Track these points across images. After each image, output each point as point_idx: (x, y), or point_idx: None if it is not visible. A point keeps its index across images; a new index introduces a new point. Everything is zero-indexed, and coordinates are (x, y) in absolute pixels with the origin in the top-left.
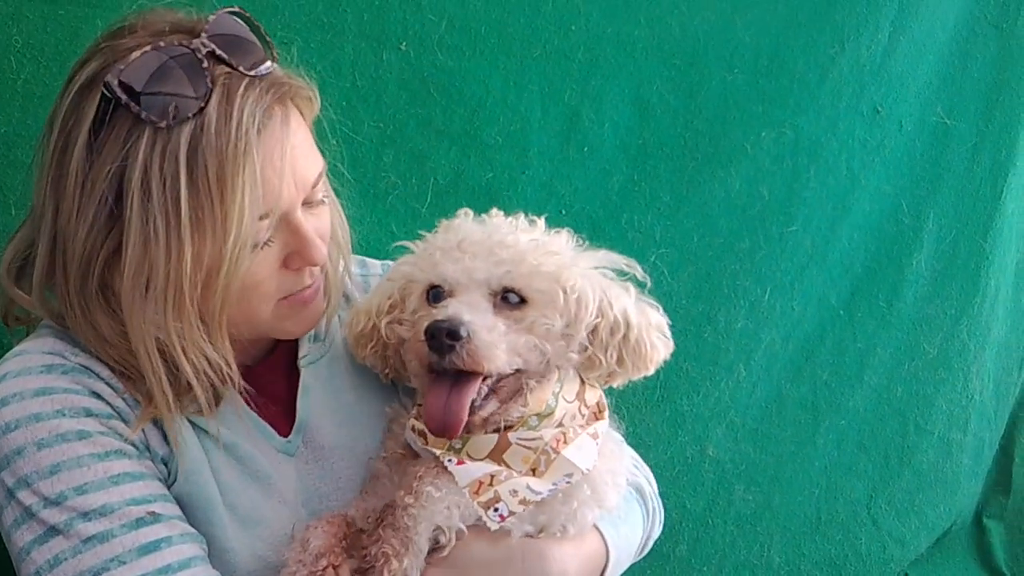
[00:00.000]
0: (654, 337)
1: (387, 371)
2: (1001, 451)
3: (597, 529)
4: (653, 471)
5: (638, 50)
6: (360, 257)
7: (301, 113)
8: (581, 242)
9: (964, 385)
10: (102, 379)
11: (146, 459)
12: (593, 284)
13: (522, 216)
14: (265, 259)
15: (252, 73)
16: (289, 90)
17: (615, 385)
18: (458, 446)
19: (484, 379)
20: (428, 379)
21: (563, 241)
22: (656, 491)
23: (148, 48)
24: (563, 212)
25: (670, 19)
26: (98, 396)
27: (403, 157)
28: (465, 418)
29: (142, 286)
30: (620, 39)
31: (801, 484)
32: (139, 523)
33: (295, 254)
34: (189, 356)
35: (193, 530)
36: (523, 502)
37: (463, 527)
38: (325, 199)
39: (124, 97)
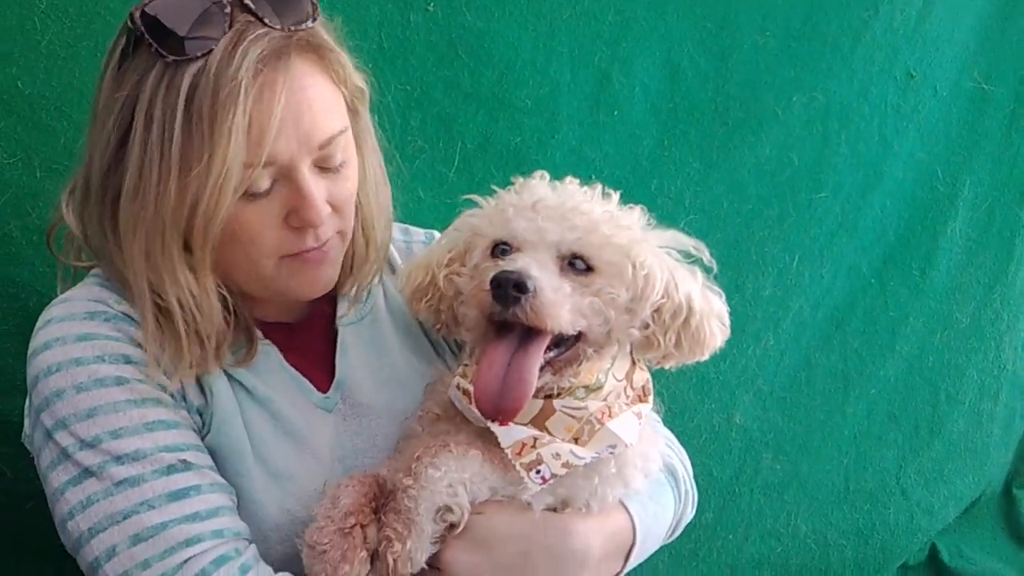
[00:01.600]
0: (714, 325)
1: (439, 326)
2: None
3: (625, 508)
4: (680, 439)
5: (669, 12)
6: (403, 224)
7: (330, 73)
8: (651, 220)
9: (996, 355)
10: (151, 355)
11: (181, 408)
12: (662, 264)
13: (599, 187)
14: (265, 212)
15: (275, 26)
16: (309, 44)
17: (667, 367)
18: None
19: (546, 349)
20: (485, 342)
21: (635, 217)
22: (691, 474)
23: None
24: (592, 177)
25: None
26: (138, 344)
27: (430, 120)
28: (529, 391)
29: (136, 213)
30: (651, 1)
31: (830, 453)
32: (170, 470)
33: (293, 212)
34: (176, 288)
35: (223, 480)
36: (566, 465)
37: (467, 504)
38: (344, 166)
39: (142, 30)
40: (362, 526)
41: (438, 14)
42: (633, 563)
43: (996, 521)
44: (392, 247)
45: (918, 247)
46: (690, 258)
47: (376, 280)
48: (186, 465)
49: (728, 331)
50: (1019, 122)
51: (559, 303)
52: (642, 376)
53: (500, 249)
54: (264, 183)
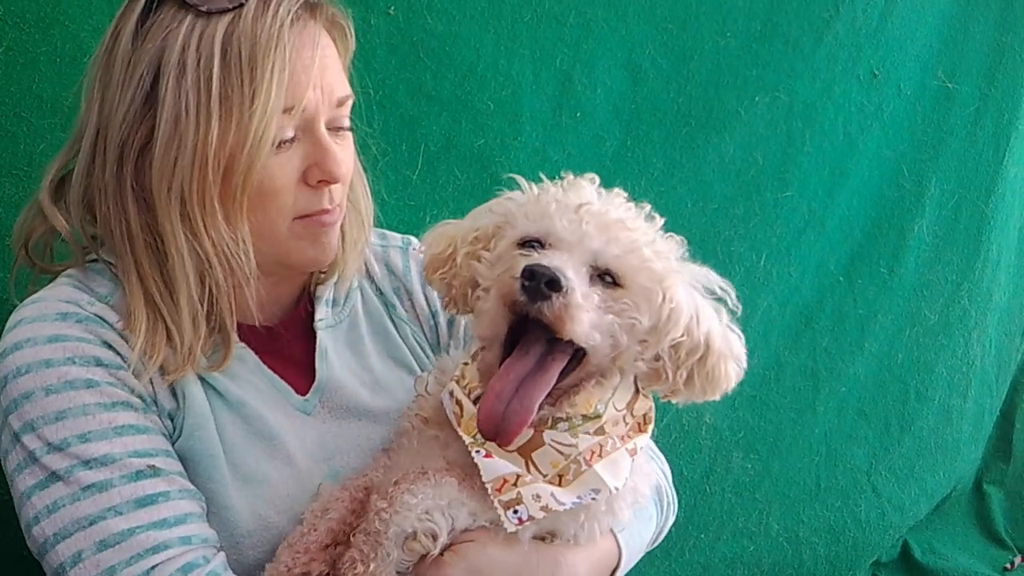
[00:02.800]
0: (731, 367)
1: (448, 301)
2: (1002, 417)
3: (612, 532)
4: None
5: (630, 14)
6: (380, 230)
7: (336, 43)
8: (686, 254)
9: (965, 351)
10: (115, 329)
11: (152, 413)
12: (689, 300)
13: (648, 207)
14: (287, 164)
15: None
16: (325, 13)
17: (675, 402)
18: None
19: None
20: (498, 351)
21: (673, 247)
22: (671, 482)
23: None
24: (555, 179)
25: None
26: (109, 346)
27: (393, 123)
28: (528, 419)
29: (172, 160)
30: (612, 3)
31: (800, 451)
32: (139, 475)
33: (315, 165)
34: (210, 233)
35: (192, 487)
36: (544, 508)
37: (443, 533)
38: (348, 134)
39: None
40: (339, 545)
41: (399, 17)
42: None
43: (967, 517)
44: (368, 251)
45: (886, 245)
46: (714, 296)
47: (354, 283)
48: (154, 471)
49: (743, 373)
50: (983, 120)
51: (585, 308)
52: (644, 404)
53: (530, 244)
54: (289, 132)
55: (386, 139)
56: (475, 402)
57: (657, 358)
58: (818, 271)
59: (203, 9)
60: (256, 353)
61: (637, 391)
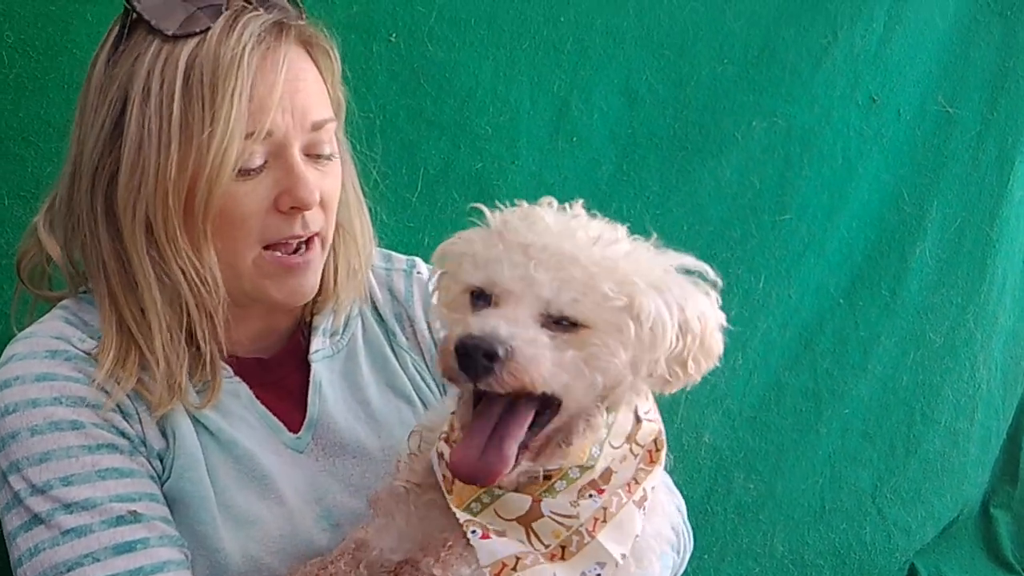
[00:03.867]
0: (719, 334)
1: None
2: (1008, 440)
3: None
4: None
5: (627, 40)
6: (385, 251)
7: (314, 61)
8: (658, 244)
9: (971, 374)
10: (105, 368)
11: (139, 455)
12: (669, 302)
13: (619, 227)
14: (255, 191)
15: (269, 14)
16: (300, 33)
17: (674, 391)
18: (486, 500)
19: (534, 414)
20: (465, 407)
21: (639, 256)
22: (686, 518)
23: None
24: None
25: (659, 9)
26: (100, 387)
27: (393, 147)
28: (506, 468)
29: (135, 187)
30: (609, 30)
31: (804, 472)
32: (119, 521)
33: (285, 193)
34: (179, 262)
35: (175, 533)
36: (600, 575)
37: None
38: (335, 157)
39: (138, 6)
40: None
41: (400, 44)
42: None
43: (975, 541)
44: (371, 274)
45: (887, 268)
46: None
47: (355, 311)
48: (135, 517)
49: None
50: (986, 144)
51: (538, 356)
52: (649, 430)
53: (478, 294)
54: (257, 159)
55: (387, 163)
56: None
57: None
58: (818, 293)
59: (169, 34)
60: (250, 386)
61: (638, 420)
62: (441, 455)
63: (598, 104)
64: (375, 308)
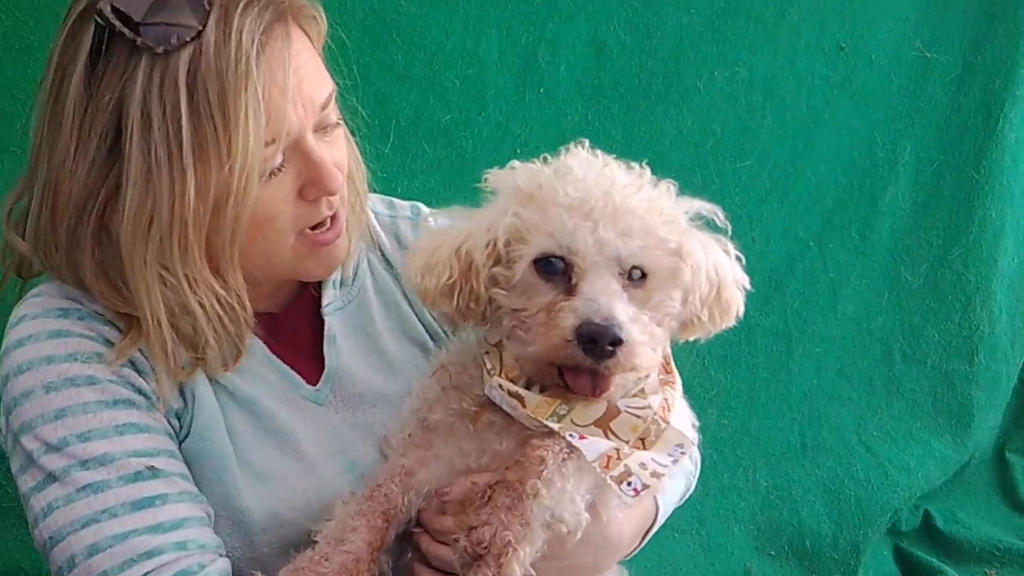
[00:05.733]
0: (738, 292)
1: (459, 319)
2: (1020, 384)
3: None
4: None
5: None
6: (386, 197)
7: (307, 33)
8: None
9: (964, 316)
10: (118, 327)
11: (156, 411)
12: (704, 250)
13: (639, 170)
14: (279, 189)
15: None
16: (290, 8)
17: (691, 339)
18: (563, 412)
19: None
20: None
21: (671, 197)
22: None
23: None
24: (518, 151)
25: None
26: (111, 344)
27: (366, 100)
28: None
29: (144, 224)
30: None
31: (779, 410)
32: (137, 476)
33: (309, 183)
34: (197, 294)
35: (194, 490)
36: (654, 475)
37: (587, 516)
38: (340, 121)
39: (118, 24)
40: None
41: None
42: (650, 537)
43: (990, 486)
44: (376, 221)
45: (857, 211)
46: (702, 218)
47: (362, 259)
48: (154, 472)
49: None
50: (967, 87)
51: (645, 343)
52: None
53: (547, 262)
54: (278, 159)
55: (360, 115)
56: (528, 387)
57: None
58: (785, 237)
59: (159, 51)
60: (265, 342)
61: None
62: (500, 386)
63: (565, 56)
64: (383, 255)
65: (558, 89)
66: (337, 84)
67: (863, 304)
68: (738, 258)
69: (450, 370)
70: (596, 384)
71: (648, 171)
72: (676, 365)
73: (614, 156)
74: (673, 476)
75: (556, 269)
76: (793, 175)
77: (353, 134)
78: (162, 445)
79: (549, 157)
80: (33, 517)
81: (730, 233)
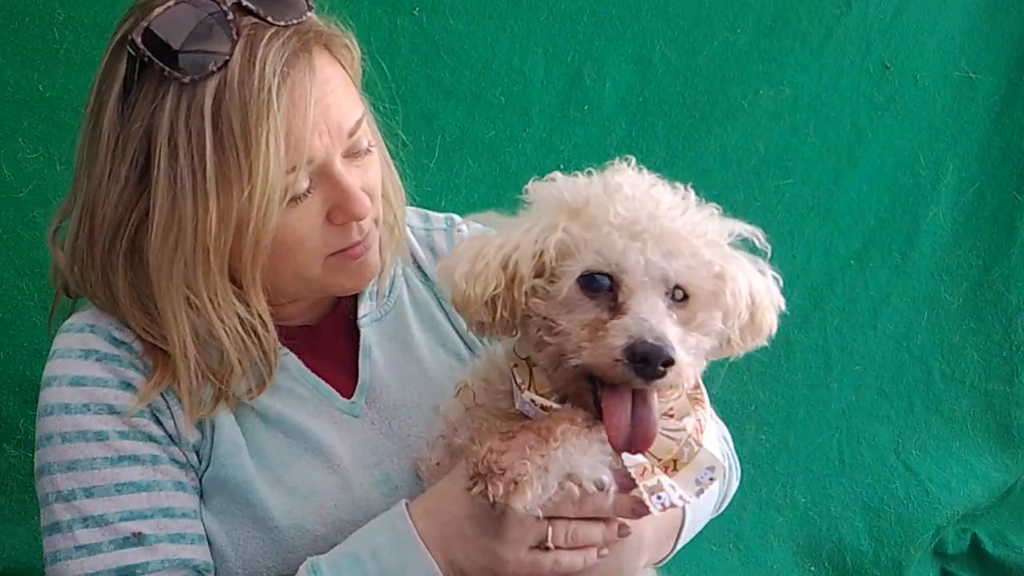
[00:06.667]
0: (772, 314)
1: (490, 330)
2: None
3: None
4: None
5: (643, 11)
6: (422, 210)
7: (338, 60)
8: (717, 211)
9: (1005, 336)
10: (140, 358)
11: (162, 463)
12: (744, 274)
13: (684, 191)
14: (306, 213)
15: (280, 23)
16: (318, 37)
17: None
18: None
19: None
20: (602, 390)
21: (713, 220)
22: (732, 446)
23: (172, 3)
24: (562, 167)
25: None
26: (128, 385)
27: (413, 116)
28: (657, 432)
29: (171, 247)
30: (625, 1)
31: (818, 427)
32: (125, 543)
33: (336, 208)
34: (220, 315)
35: (184, 555)
36: (681, 498)
37: (605, 479)
38: (372, 148)
39: (148, 54)
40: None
41: (423, 17)
42: (684, 542)
43: None
44: (411, 235)
45: (899, 230)
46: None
47: (398, 271)
48: (140, 539)
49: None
50: (1011, 108)
51: (691, 363)
52: None
53: (589, 279)
54: (303, 185)
55: (407, 131)
56: (561, 402)
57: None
58: (826, 254)
59: (185, 81)
60: (300, 354)
61: None
62: (533, 401)
63: (610, 73)
64: (419, 268)
65: (603, 106)
66: (384, 101)
67: (903, 322)
68: (775, 279)
69: (473, 388)
70: (636, 419)
71: (692, 193)
72: (713, 378)
73: (658, 175)
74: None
75: (601, 286)
76: (835, 193)
77: (399, 150)
78: (159, 503)
79: (593, 171)
80: (44, 553)
81: (770, 255)
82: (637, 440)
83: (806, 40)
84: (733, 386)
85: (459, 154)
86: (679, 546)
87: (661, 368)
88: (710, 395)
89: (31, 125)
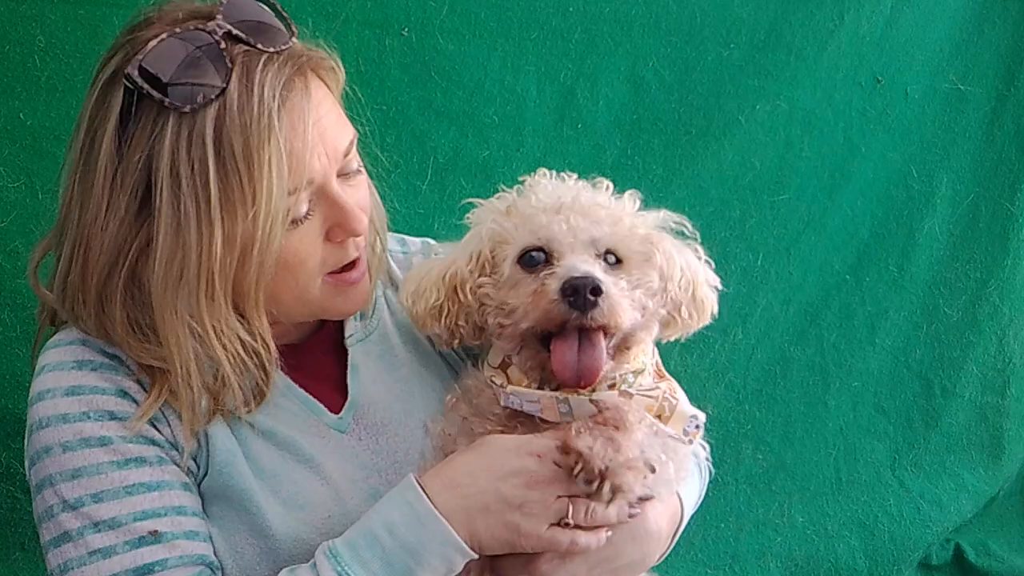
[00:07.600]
0: (709, 291)
1: (455, 340)
2: None
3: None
4: None
5: (635, 28)
6: (398, 235)
7: (326, 84)
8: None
9: (999, 349)
10: (132, 371)
11: (168, 463)
12: (671, 245)
13: (605, 183)
14: (307, 234)
15: (271, 49)
16: (309, 61)
17: (672, 339)
18: (584, 394)
19: (607, 335)
20: (533, 348)
21: (635, 204)
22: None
23: (164, 35)
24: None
25: None
26: (125, 394)
27: (405, 137)
28: (603, 366)
29: (175, 275)
30: (617, 18)
31: (815, 445)
32: (140, 542)
33: (336, 226)
34: (223, 341)
35: (198, 551)
36: (699, 426)
37: (657, 465)
38: (361, 168)
39: (146, 86)
40: None
41: (412, 38)
42: (678, 538)
43: (1021, 517)
44: (390, 258)
45: (894, 244)
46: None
47: (379, 291)
48: (156, 537)
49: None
50: (1001, 119)
51: (622, 299)
52: (655, 354)
53: (528, 258)
54: (303, 207)
55: (398, 152)
56: (540, 387)
57: (665, 306)
58: (822, 270)
59: (185, 110)
60: (287, 372)
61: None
62: (516, 394)
63: (603, 91)
64: (398, 290)
65: (596, 124)
66: (374, 123)
67: (901, 337)
68: (707, 261)
69: (465, 399)
70: (583, 354)
71: (612, 185)
72: (708, 397)
73: (652, 190)
74: (691, 474)
75: (538, 261)
76: (830, 208)
77: (389, 171)
78: (171, 502)
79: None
80: (50, 569)
81: (699, 239)
82: (584, 372)
83: (800, 54)
84: (729, 405)
85: (452, 175)
86: (675, 541)
87: (592, 297)
88: (706, 416)
89: (12, 154)
